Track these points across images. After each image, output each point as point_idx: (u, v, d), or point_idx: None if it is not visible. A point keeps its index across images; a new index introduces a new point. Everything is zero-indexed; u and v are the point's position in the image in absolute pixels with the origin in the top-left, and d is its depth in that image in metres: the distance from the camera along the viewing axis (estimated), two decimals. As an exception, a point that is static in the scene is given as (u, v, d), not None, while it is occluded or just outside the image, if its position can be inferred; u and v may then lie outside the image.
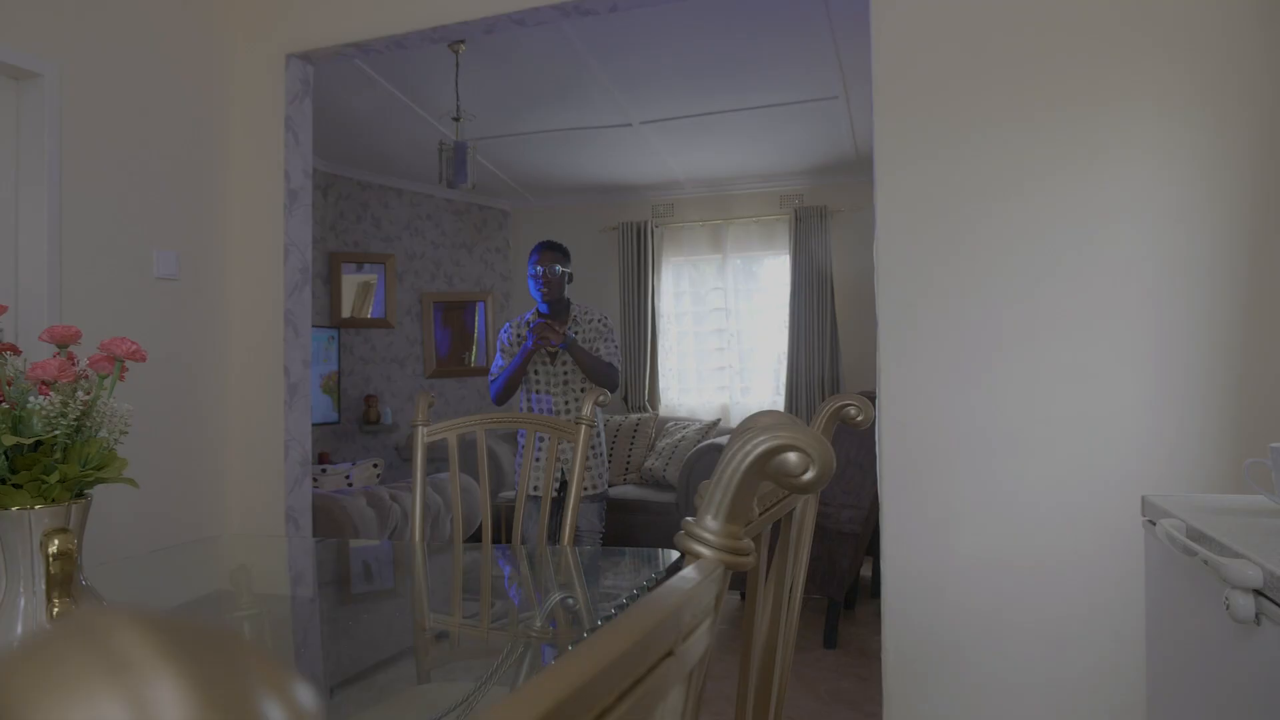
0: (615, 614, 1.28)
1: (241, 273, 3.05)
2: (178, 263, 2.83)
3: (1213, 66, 2.01)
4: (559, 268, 3.35)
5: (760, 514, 0.71)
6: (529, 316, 3.45)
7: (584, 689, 0.23)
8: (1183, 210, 2.03)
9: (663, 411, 5.95)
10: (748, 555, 0.45)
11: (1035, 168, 2.15)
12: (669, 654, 0.32)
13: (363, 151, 5.14)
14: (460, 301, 6.06)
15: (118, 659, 0.17)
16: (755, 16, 3.37)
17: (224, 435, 3.01)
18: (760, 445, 0.44)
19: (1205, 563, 1.05)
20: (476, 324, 6.14)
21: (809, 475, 0.44)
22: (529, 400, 3.43)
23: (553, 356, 3.36)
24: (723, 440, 4.94)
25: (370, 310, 5.60)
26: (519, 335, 3.42)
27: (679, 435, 5.31)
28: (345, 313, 5.47)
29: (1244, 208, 1.98)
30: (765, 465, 0.45)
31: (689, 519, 0.47)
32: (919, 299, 2.25)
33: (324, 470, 4.53)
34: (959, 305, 2.21)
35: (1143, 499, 1.55)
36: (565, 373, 3.37)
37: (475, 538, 4.77)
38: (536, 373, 3.39)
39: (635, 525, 4.86)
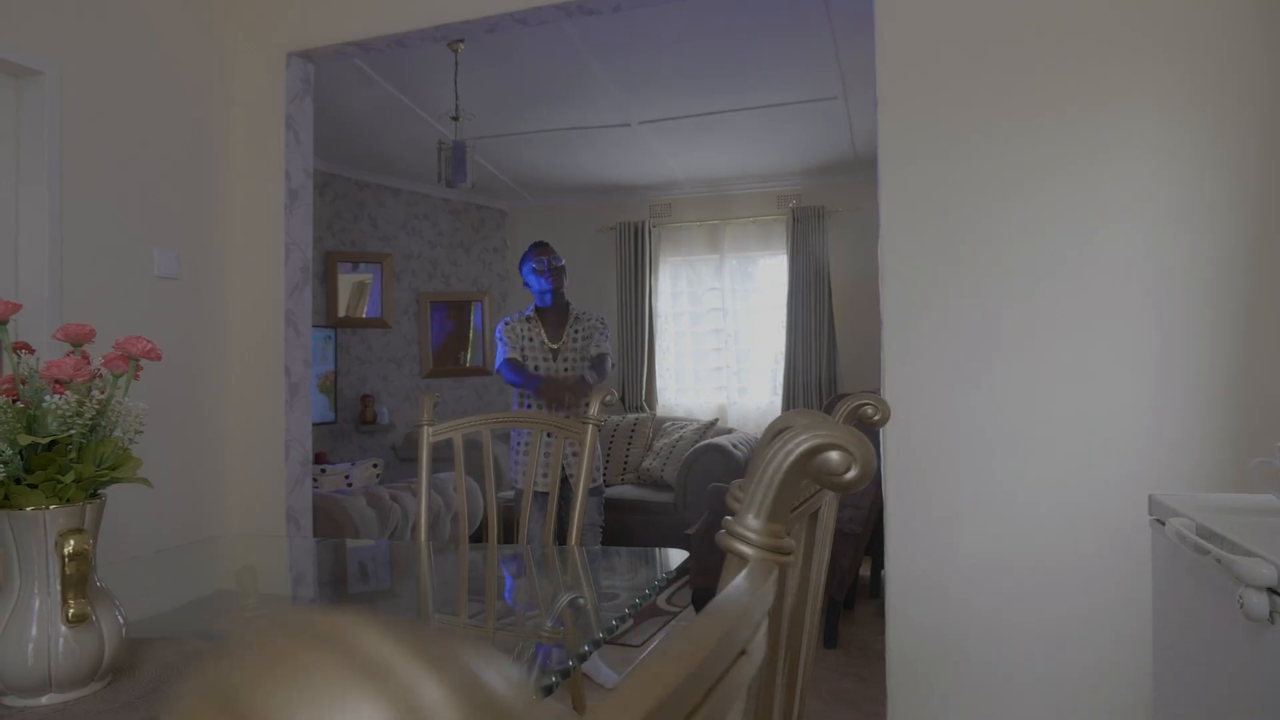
0: (628, 614, 1.28)
1: (242, 272, 3.04)
2: (178, 262, 2.82)
3: (1213, 66, 2.02)
4: (560, 259, 3.43)
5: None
6: (529, 313, 3.46)
7: (681, 688, 0.23)
8: (1183, 210, 2.04)
9: (660, 411, 5.95)
10: (789, 554, 0.45)
11: (1035, 168, 2.16)
12: (743, 653, 0.32)
13: (361, 151, 5.12)
14: (458, 301, 6.05)
15: (373, 664, 0.16)
16: (755, 16, 3.38)
17: (224, 435, 3.00)
18: (803, 444, 0.44)
19: (1218, 561, 1.05)
20: (473, 324, 6.13)
21: (851, 474, 0.45)
22: (526, 396, 3.44)
23: (554, 353, 3.40)
24: (721, 440, 4.94)
25: (365, 310, 5.59)
26: (517, 335, 3.43)
27: (676, 435, 5.31)
28: (340, 312, 5.46)
29: (1244, 207, 1.99)
30: (807, 464, 0.45)
31: (729, 518, 0.47)
32: (920, 299, 2.26)
33: (324, 470, 4.51)
34: (959, 305, 2.22)
35: (1150, 498, 1.56)
36: (565, 371, 3.40)
37: (473, 538, 4.76)
38: (536, 369, 3.40)
39: (633, 525, 4.87)
